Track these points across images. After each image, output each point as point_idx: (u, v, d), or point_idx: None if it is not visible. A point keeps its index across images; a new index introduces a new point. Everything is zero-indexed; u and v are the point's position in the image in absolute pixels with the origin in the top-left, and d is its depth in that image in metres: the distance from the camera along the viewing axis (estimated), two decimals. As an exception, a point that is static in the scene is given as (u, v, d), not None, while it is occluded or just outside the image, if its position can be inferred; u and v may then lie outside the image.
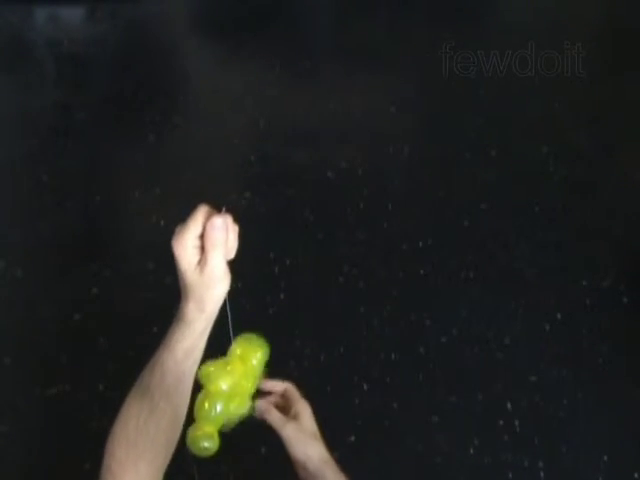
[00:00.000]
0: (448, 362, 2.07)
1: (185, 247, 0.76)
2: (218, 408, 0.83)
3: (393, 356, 2.11)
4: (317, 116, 3.02)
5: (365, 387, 2.02)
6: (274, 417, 0.98)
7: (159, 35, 3.80)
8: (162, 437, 0.82)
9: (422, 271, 2.33)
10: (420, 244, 2.42)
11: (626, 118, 3.07)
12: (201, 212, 0.76)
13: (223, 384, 0.83)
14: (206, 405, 0.83)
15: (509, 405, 1.95)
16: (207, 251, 0.76)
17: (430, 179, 2.75)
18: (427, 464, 1.85)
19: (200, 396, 0.83)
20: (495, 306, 2.22)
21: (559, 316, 2.22)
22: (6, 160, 2.90)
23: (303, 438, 0.97)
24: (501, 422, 1.91)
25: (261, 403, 0.99)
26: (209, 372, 0.83)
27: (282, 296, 2.22)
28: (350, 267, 2.33)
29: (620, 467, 1.87)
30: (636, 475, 1.85)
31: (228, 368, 0.84)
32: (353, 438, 1.90)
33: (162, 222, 2.48)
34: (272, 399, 1.02)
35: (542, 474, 1.82)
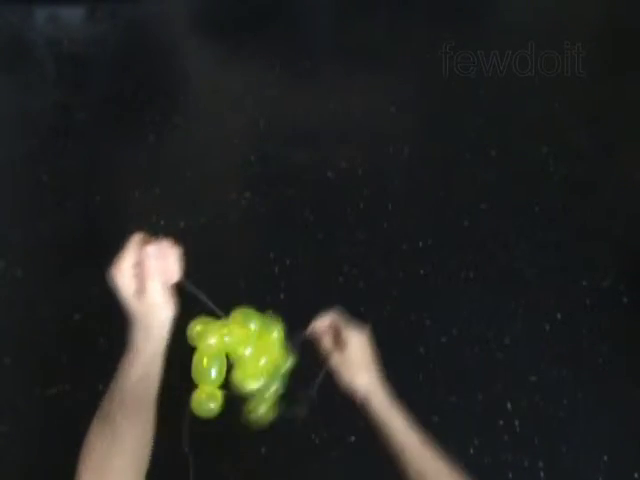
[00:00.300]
0: (448, 362, 2.07)
1: (122, 277, 0.78)
2: (213, 367, 0.84)
3: (393, 356, 2.11)
4: (317, 116, 3.02)
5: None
6: (322, 346, 0.99)
7: (159, 35, 3.80)
8: (128, 460, 0.81)
9: (422, 271, 2.33)
10: (420, 244, 2.42)
11: (626, 118, 3.07)
12: (135, 241, 0.78)
13: (212, 339, 0.84)
14: (204, 363, 0.84)
15: (509, 405, 1.95)
16: (144, 279, 0.77)
17: (430, 179, 2.75)
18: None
19: (195, 357, 0.85)
20: (495, 306, 2.22)
21: (559, 316, 2.22)
22: (6, 160, 2.90)
23: (348, 369, 0.97)
24: (501, 422, 1.91)
25: (313, 329, 1.00)
26: (198, 330, 0.84)
27: (282, 296, 2.22)
28: (350, 267, 2.32)
29: (620, 467, 1.87)
30: (636, 475, 1.85)
31: (224, 329, 0.85)
32: (353, 438, 1.90)
33: (162, 222, 2.48)
34: (323, 329, 1.02)
35: (542, 474, 1.82)
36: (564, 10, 3.74)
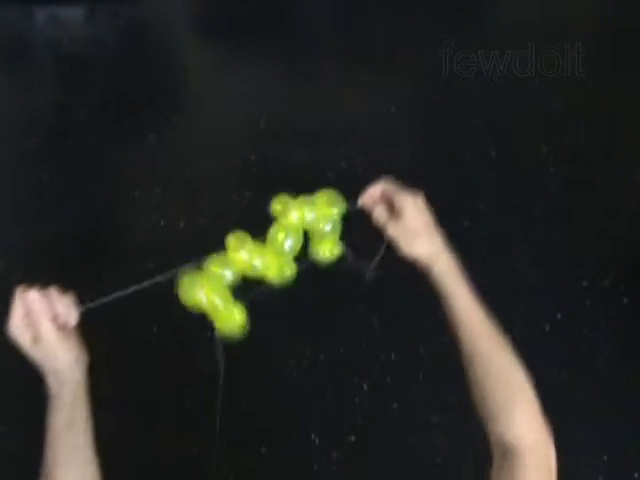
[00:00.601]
0: (448, 362, 2.06)
1: (16, 329, 0.79)
2: (289, 242, 0.89)
3: (393, 356, 2.11)
4: (317, 116, 3.02)
5: (365, 387, 2.02)
6: (377, 215, 0.93)
7: (159, 35, 3.80)
8: None
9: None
10: (420, 244, 2.41)
11: (626, 118, 3.07)
12: (19, 292, 0.80)
13: (294, 215, 0.90)
14: (279, 237, 0.89)
15: (509, 405, 1.95)
16: (34, 326, 0.79)
17: (430, 179, 2.75)
18: (427, 464, 1.85)
19: (273, 229, 0.90)
20: (495, 306, 2.22)
21: (559, 316, 2.22)
22: (6, 160, 2.90)
23: (405, 236, 0.90)
24: (501, 422, 1.91)
25: (365, 198, 0.94)
26: (284, 203, 0.89)
27: (282, 296, 2.22)
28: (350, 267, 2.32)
29: (620, 467, 1.87)
30: (636, 475, 1.85)
31: (306, 206, 0.91)
32: (353, 438, 1.90)
33: (162, 222, 2.48)
34: (375, 199, 0.95)
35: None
36: (564, 10, 3.74)
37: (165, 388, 1.98)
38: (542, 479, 0.77)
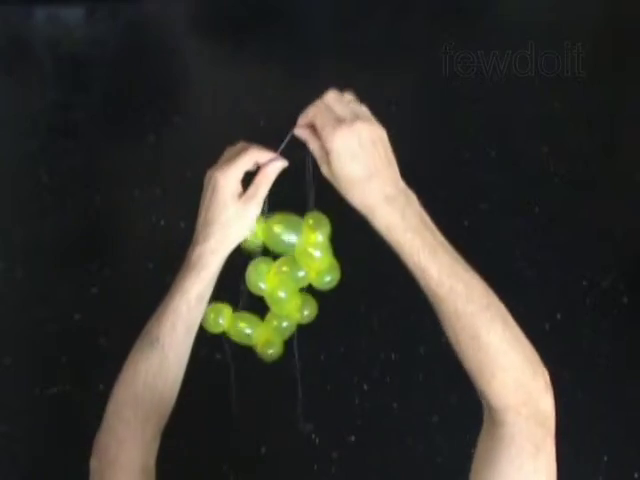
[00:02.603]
0: (448, 362, 2.06)
1: (231, 178, 0.79)
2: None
3: (393, 356, 2.11)
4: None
5: (365, 387, 2.02)
6: (314, 148, 0.81)
7: (159, 35, 3.80)
8: (168, 394, 0.79)
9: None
10: (420, 244, 2.41)
11: (626, 118, 3.07)
12: (252, 151, 0.79)
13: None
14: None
15: (509, 405, 1.95)
16: (258, 185, 0.78)
17: (430, 179, 2.75)
18: (427, 464, 1.85)
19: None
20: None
21: (559, 316, 2.22)
22: (6, 160, 2.90)
23: (338, 183, 0.76)
24: (501, 422, 1.91)
25: (300, 130, 0.82)
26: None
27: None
28: (350, 267, 2.32)
29: (620, 467, 1.87)
30: (636, 475, 1.85)
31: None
32: (353, 438, 1.90)
33: (162, 222, 2.48)
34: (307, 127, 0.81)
35: (542, 474, 1.82)
36: (564, 10, 3.74)
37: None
38: (532, 443, 0.68)
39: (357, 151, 0.74)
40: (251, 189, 0.78)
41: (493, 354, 0.71)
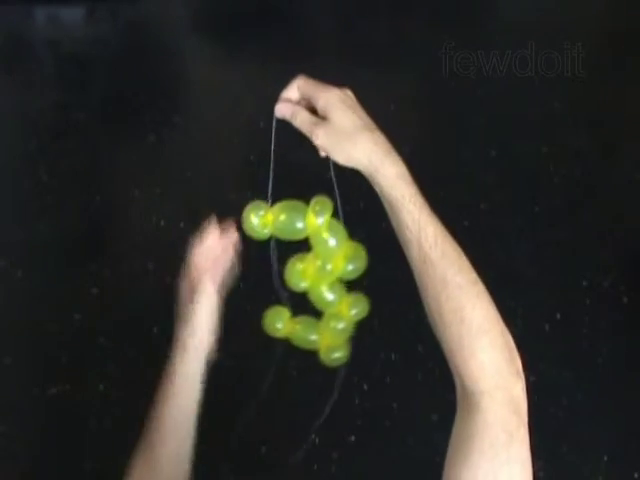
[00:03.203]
0: (448, 362, 2.06)
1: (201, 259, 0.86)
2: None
3: (393, 356, 2.11)
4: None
5: (365, 387, 2.03)
6: (300, 122, 0.77)
7: (159, 35, 3.80)
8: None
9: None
10: (420, 244, 2.41)
11: (626, 118, 3.07)
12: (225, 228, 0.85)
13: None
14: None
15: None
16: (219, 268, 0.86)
17: (430, 179, 2.74)
18: (427, 464, 1.85)
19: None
20: (495, 306, 2.22)
21: (559, 316, 2.22)
22: (6, 160, 2.90)
23: (338, 141, 0.74)
24: (501, 422, 1.91)
25: (281, 107, 0.80)
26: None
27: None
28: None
29: (620, 467, 1.87)
30: (636, 475, 1.85)
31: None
32: (353, 438, 1.90)
33: (162, 222, 2.48)
34: (294, 101, 0.79)
35: (542, 474, 1.82)
36: (564, 10, 3.74)
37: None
38: (506, 432, 0.66)
39: (352, 105, 0.76)
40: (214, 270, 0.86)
41: (475, 331, 0.70)
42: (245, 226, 0.84)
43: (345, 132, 0.73)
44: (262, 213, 0.81)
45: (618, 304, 2.28)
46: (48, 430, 1.96)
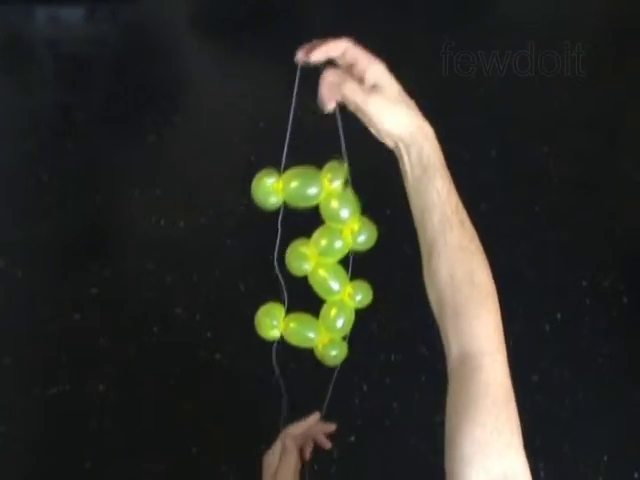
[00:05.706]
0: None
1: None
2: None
3: (393, 357, 2.11)
4: (317, 116, 3.01)
5: (365, 387, 2.03)
6: (352, 88, 0.74)
7: (159, 35, 3.80)
8: None
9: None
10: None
11: (626, 118, 3.07)
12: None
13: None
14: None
15: (509, 405, 1.95)
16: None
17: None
18: (427, 464, 1.85)
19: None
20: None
21: (559, 316, 2.22)
22: (6, 160, 2.90)
23: (389, 107, 0.76)
24: (501, 422, 1.91)
25: (331, 72, 0.75)
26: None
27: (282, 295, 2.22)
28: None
29: (620, 467, 1.87)
30: (636, 475, 1.85)
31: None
32: (353, 438, 1.90)
33: (162, 222, 2.48)
34: (337, 59, 0.77)
35: (542, 474, 1.82)
36: (564, 10, 3.74)
37: (164, 387, 1.98)
38: (505, 392, 0.72)
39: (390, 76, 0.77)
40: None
41: (484, 293, 0.74)
42: (255, 194, 0.81)
43: (397, 99, 0.77)
44: (273, 180, 0.78)
45: (618, 304, 2.28)
46: (48, 430, 1.96)
